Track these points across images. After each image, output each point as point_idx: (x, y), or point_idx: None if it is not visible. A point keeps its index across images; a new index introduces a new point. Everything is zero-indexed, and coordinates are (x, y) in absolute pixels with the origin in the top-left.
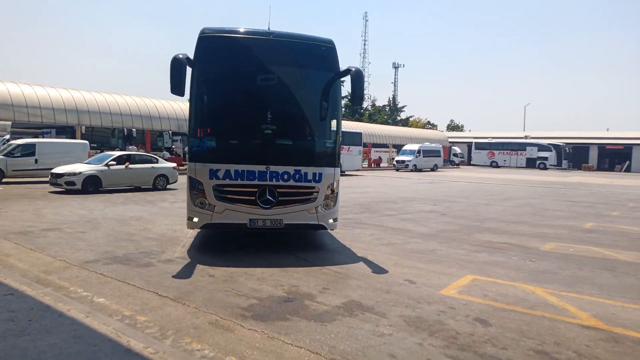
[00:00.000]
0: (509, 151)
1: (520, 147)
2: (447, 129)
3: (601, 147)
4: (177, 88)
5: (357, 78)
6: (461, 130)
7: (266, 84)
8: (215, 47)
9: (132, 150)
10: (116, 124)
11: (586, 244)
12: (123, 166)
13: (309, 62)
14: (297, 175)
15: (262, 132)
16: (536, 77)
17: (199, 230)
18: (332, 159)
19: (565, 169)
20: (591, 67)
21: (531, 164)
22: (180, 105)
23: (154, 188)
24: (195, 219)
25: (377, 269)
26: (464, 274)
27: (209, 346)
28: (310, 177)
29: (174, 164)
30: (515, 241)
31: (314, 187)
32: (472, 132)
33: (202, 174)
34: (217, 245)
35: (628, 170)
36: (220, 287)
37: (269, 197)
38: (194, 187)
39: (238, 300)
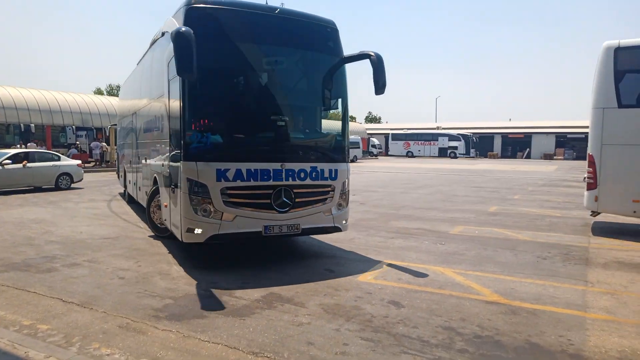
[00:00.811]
0: (423, 141)
1: (433, 137)
2: (365, 121)
3: (504, 136)
4: (187, 69)
5: (380, 63)
6: (379, 122)
7: (275, 69)
8: (212, 23)
9: (32, 147)
10: (11, 119)
11: (490, 226)
12: (20, 165)
13: (319, 45)
14: (314, 173)
15: (275, 125)
16: (446, 71)
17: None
18: (344, 154)
19: (473, 157)
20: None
21: (443, 153)
22: (85, 99)
23: (57, 188)
24: (198, 231)
25: (297, 260)
26: (381, 260)
27: (119, 350)
28: (326, 174)
29: (79, 161)
30: (428, 226)
31: (330, 186)
32: (389, 123)
33: (206, 176)
34: (129, 246)
35: (528, 157)
36: (132, 289)
37: (285, 199)
38: (195, 191)
39: (151, 302)
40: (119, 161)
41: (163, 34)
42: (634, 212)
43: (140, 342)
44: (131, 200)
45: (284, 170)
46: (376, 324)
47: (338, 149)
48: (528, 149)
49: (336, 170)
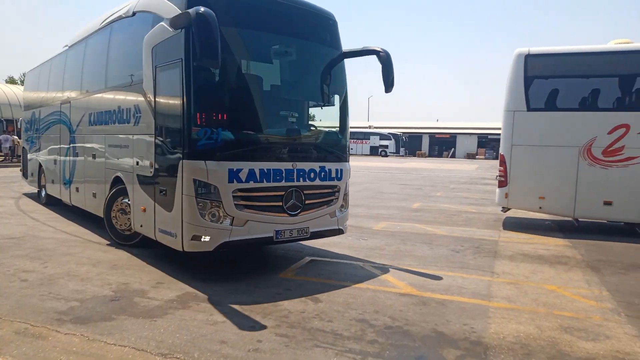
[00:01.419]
0: (355, 140)
1: (365, 136)
2: None
3: (432, 136)
4: (212, 55)
5: (389, 59)
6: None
7: (285, 60)
8: (221, 6)
9: None
10: None
11: (412, 222)
12: None
13: (324, 37)
14: (323, 173)
15: (286, 121)
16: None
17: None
18: (346, 153)
19: (402, 155)
20: (424, 64)
21: (374, 151)
22: None
23: None
24: (206, 238)
25: (217, 257)
26: (303, 256)
27: (12, 358)
28: (333, 174)
29: None
30: (353, 222)
31: (336, 186)
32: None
33: (217, 176)
34: (35, 247)
35: (453, 156)
36: (34, 291)
37: (295, 201)
38: (203, 194)
39: (56, 305)
40: (25, 158)
41: (134, 13)
42: (540, 207)
43: (39, 347)
44: (51, 202)
45: (295, 170)
46: (292, 319)
47: (343, 148)
48: (453, 149)
49: (342, 170)
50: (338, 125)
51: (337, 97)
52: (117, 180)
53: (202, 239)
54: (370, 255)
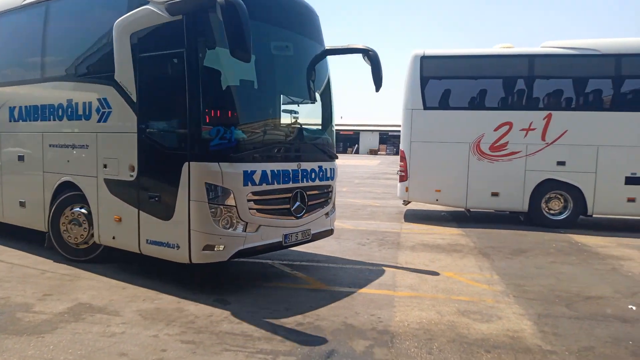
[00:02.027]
0: None
1: None
2: None
3: (337, 133)
4: (245, 48)
5: (378, 58)
6: None
7: (288, 55)
8: None
9: None
10: None
11: None
12: None
13: (316, 34)
14: (321, 173)
15: (291, 118)
16: None
17: None
18: (334, 151)
19: None
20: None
21: None
22: None
23: None
24: (220, 247)
25: (111, 262)
26: None
27: None
28: (329, 173)
29: None
30: None
31: (330, 186)
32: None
33: (231, 179)
34: None
35: (357, 152)
36: None
37: (301, 203)
38: (217, 199)
39: None
40: None
41: None
42: (437, 200)
43: None
44: None
45: (300, 170)
46: (199, 324)
47: (333, 146)
48: (357, 145)
49: (334, 169)
50: (330, 123)
51: (326, 94)
52: (64, 187)
53: (216, 249)
54: (279, 254)
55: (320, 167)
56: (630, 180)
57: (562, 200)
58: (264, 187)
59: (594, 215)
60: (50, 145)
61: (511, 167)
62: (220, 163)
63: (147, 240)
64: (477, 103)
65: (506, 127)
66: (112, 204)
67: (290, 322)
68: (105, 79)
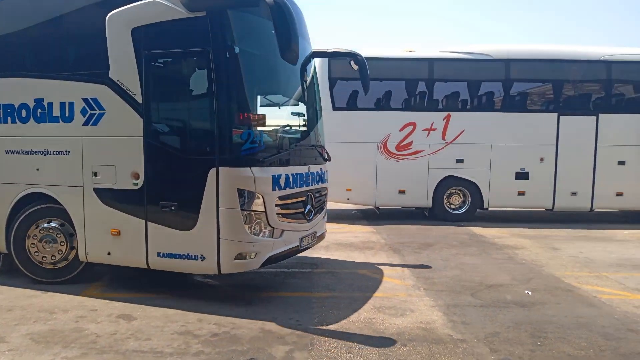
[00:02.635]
0: None
1: None
2: None
3: None
4: (294, 49)
5: (365, 62)
6: None
7: (299, 59)
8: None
9: None
10: None
11: None
12: None
13: (307, 35)
14: (322, 175)
15: (300, 121)
16: None
17: None
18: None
19: None
20: None
21: None
22: None
23: None
24: (252, 255)
25: None
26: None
27: None
28: (325, 176)
29: None
30: None
31: (326, 188)
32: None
33: (262, 184)
34: None
35: None
36: None
37: (310, 206)
38: (248, 205)
39: None
40: None
41: None
42: (348, 199)
43: None
44: None
45: (310, 173)
46: (102, 344)
47: (324, 148)
48: None
49: (327, 172)
50: (322, 125)
51: (317, 96)
52: (27, 200)
53: (248, 257)
54: None
55: (320, 169)
56: (520, 175)
57: (461, 195)
58: (287, 191)
59: (489, 209)
60: (7, 152)
61: (416, 165)
62: (251, 168)
63: (158, 253)
64: (383, 104)
65: (410, 127)
66: (106, 216)
67: (204, 333)
68: (94, 76)
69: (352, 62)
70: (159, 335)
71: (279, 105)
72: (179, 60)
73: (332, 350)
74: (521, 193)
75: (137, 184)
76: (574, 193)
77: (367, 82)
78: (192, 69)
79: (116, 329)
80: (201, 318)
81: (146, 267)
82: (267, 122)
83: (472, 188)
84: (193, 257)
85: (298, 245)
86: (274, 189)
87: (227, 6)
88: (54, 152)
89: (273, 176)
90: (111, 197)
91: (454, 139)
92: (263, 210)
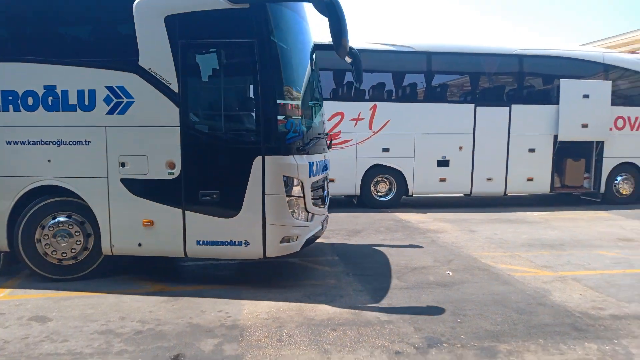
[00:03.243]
0: None
1: None
2: None
3: None
4: (346, 44)
5: (359, 56)
6: None
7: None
8: None
9: None
10: None
11: None
12: None
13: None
14: (328, 163)
15: (317, 109)
16: None
17: None
18: None
19: None
20: None
21: None
22: None
23: None
24: (295, 238)
25: None
26: (20, 270)
27: None
28: (329, 163)
29: None
30: None
31: (328, 174)
32: None
33: (303, 171)
34: None
35: None
36: None
37: (325, 191)
38: (290, 192)
39: None
40: None
41: None
42: None
43: None
44: None
45: (325, 160)
46: (12, 349)
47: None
48: None
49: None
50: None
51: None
52: (34, 194)
53: (291, 240)
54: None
55: (326, 157)
56: (441, 163)
57: (387, 183)
58: (317, 177)
59: (413, 195)
60: (8, 143)
61: (344, 154)
62: (294, 156)
63: (197, 241)
64: None
65: (338, 117)
66: (136, 207)
67: (126, 331)
68: (121, 64)
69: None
70: (78, 335)
71: (307, 95)
72: (219, 50)
73: (262, 339)
74: (442, 180)
75: (172, 174)
76: (489, 179)
77: (360, 74)
78: (234, 60)
79: (28, 333)
80: (123, 316)
81: (183, 256)
82: (306, 111)
83: (398, 176)
84: (237, 244)
85: (321, 229)
86: (309, 176)
87: (274, 0)
88: (70, 142)
89: (310, 163)
90: (142, 187)
91: (380, 129)
92: (302, 195)
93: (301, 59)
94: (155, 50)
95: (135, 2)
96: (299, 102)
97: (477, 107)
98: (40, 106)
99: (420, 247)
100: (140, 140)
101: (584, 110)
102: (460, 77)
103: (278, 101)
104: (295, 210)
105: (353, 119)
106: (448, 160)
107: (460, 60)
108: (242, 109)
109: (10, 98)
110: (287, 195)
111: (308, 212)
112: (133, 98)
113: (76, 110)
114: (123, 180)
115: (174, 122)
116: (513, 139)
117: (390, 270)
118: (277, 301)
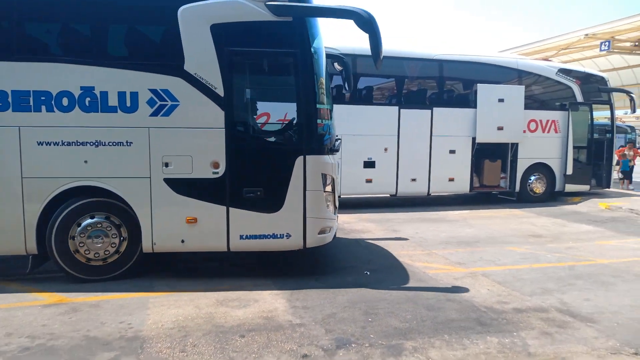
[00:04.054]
0: None
1: None
2: None
3: None
4: (380, 57)
5: (349, 65)
6: None
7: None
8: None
9: None
10: None
11: None
12: None
13: None
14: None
15: (332, 113)
16: None
17: None
18: None
19: None
20: None
21: None
22: None
23: None
24: (329, 230)
25: None
26: None
27: None
28: None
29: None
30: None
31: None
32: None
33: (334, 169)
34: None
35: None
36: None
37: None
38: (327, 187)
39: None
40: None
41: None
42: None
43: None
44: None
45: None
46: None
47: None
48: None
49: None
50: None
51: None
52: (66, 195)
53: (327, 232)
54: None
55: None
56: (368, 165)
57: None
58: (337, 176)
59: (342, 196)
60: (39, 144)
61: None
62: (329, 155)
63: (240, 236)
64: None
65: (264, 118)
66: (179, 205)
67: (12, 349)
68: (166, 68)
69: (336, 64)
70: None
71: (330, 100)
72: (263, 58)
73: (164, 351)
74: (369, 181)
75: (217, 173)
76: (413, 179)
77: (350, 82)
78: (277, 68)
79: None
80: (10, 332)
81: (226, 250)
82: (330, 114)
83: None
84: (279, 236)
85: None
86: (337, 174)
87: (316, 15)
88: (110, 143)
89: (338, 162)
90: (186, 186)
91: None
92: (332, 191)
93: (324, 65)
94: (201, 56)
95: (180, 9)
96: (330, 107)
97: (401, 110)
98: (77, 107)
99: (343, 247)
100: (185, 142)
101: (499, 113)
102: (386, 80)
103: (318, 106)
104: (329, 205)
105: (280, 120)
106: (374, 162)
107: (385, 63)
108: (285, 112)
109: (43, 98)
110: (325, 191)
111: (335, 206)
112: (178, 101)
113: (117, 112)
114: (167, 180)
115: (219, 125)
116: (435, 141)
117: (310, 272)
118: (187, 309)
